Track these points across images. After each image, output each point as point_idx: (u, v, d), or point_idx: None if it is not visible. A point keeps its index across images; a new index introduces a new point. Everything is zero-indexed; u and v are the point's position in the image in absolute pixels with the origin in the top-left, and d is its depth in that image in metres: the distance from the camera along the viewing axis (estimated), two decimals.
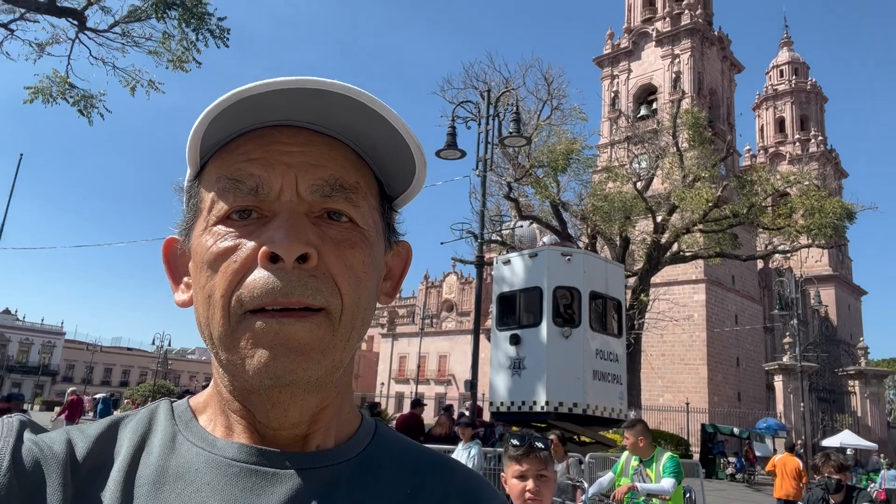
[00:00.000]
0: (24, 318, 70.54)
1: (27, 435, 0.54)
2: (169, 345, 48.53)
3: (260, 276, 0.54)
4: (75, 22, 15.63)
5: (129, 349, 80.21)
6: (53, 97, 16.48)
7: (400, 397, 51.83)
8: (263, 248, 0.54)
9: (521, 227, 25.53)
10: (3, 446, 0.51)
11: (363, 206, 0.61)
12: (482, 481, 0.71)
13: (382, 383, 57.81)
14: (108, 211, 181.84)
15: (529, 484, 2.33)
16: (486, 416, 13.15)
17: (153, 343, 46.45)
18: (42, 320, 72.40)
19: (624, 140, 34.62)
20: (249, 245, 0.55)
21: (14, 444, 0.52)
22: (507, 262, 10.93)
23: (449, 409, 12.79)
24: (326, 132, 0.60)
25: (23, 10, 14.81)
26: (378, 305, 0.66)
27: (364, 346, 68.85)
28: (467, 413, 9.61)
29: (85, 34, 16.11)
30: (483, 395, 14.38)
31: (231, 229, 0.57)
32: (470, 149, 12.31)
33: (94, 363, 71.65)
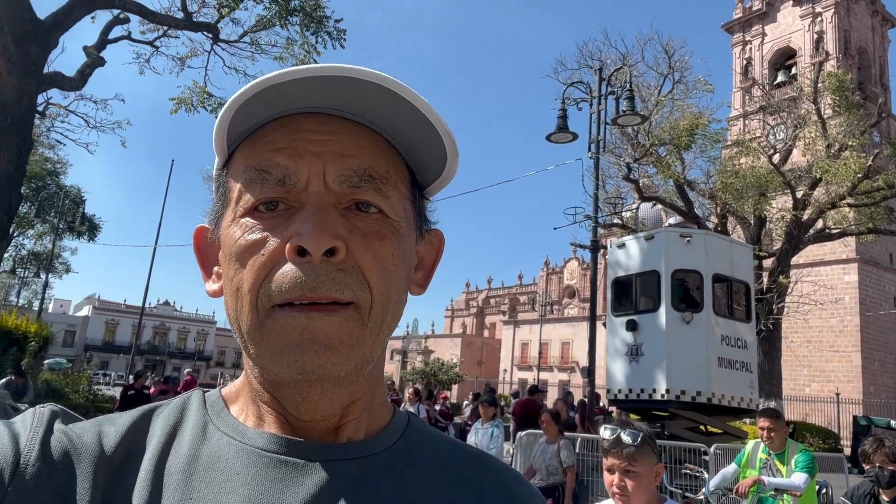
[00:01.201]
0: (181, 308, 78.18)
1: (58, 425, 0.54)
2: None
3: (287, 270, 0.53)
4: (210, 35, 16.96)
5: None
6: (194, 106, 18.04)
7: (523, 384, 51.71)
8: (290, 241, 0.53)
9: (643, 207, 24.49)
10: (33, 436, 0.52)
11: (393, 197, 0.59)
12: (521, 479, 0.68)
13: (505, 370, 58.04)
14: None
15: (615, 478, 2.26)
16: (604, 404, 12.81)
17: None
18: (196, 311, 79.73)
19: (758, 110, 32.07)
20: (277, 238, 0.54)
21: (44, 434, 0.52)
22: (622, 245, 10.54)
23: (567, 396, 12.61)
24: (355, 119, 0.58)
25: (165, 28, 16.29)
26: (410, 297, 0.64)
27: (486, 332, 69.41)
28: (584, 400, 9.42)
29: (219, 45, 17.44)
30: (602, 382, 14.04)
31: (258, 221, 0.56)
32: (584, 131, 11.99)
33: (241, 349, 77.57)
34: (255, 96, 0.54)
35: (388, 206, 0.58)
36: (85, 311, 71.53)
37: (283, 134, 0.57)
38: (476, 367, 57.43)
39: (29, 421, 0.54)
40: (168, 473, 0.54)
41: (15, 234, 32.84)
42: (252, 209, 0.56)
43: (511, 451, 8.80)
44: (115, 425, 0.58)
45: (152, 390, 13.15)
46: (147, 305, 25.34)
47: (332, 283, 0.53)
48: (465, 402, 17.68)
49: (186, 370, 20.48)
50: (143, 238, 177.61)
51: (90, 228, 33.17)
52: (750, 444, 5.44)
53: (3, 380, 10.47)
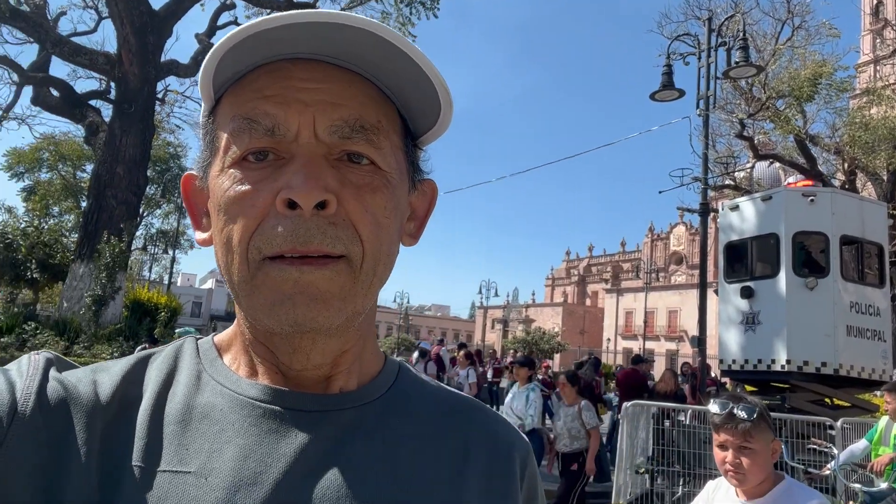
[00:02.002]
0: None
1: (53, 373, 0.54)
2: (408, 302, 53.13)
3: (278, 223, 0.52)
4: None
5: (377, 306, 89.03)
6: None
7: (627, 353, 50.55)
8: (281, 194, 0.52)
9: (758, 167, 22.85)
10: (30, 384, 0.51)
11: (385, 147, 0.58)
12: (508, 425, 0.70)
13: (608, 339, 56.97)
14: None
15: (729, 456, 2.10)
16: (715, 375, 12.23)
17: (394, 301, 51.22)
18: None
19: (891, 54, 28.87)
20: (267, 190, 0.54)
21: (40, 381, 0.52)
22: (735, 207, 9.87)
23: (673, 366, 12.14)
24: (346, 66, 0.57)
25: (268, 11, 16.86)
26: (402, 248, 0.64)
27: (588, 301, 68.23)
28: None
29: None
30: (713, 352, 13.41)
31: (247, 172, 0.55)
32: (691, 87, 11.28)
33: None
34: (242, 42, 0.53)
35: (380, 158, 0.57)
36: (209, 283, 77.16)
37: (272, 81, 0.55)
38: (578, 336, 56.77)
39: (25, 368, 0.53)
40: (164, 424, 0.54)
41: (144, 214, 35.76)
42: (240, 159, 0.55)
43: (615, 420, 8.57)
44: (109, 373, 0.58)
45: None
46: None
47: (324, 237, 0.52)
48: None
49: None
50: None
51: None
52: (883, 419, 5.02)
53: (139, 347, 11.47)
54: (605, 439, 12.61)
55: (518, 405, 7.02)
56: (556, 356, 48.81)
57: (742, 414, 2.10)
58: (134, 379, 0.58)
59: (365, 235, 0.55)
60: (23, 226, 18.15)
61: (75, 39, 17.61)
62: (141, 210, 34.45)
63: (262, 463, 0.53)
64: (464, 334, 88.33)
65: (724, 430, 2.12)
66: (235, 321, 0.62)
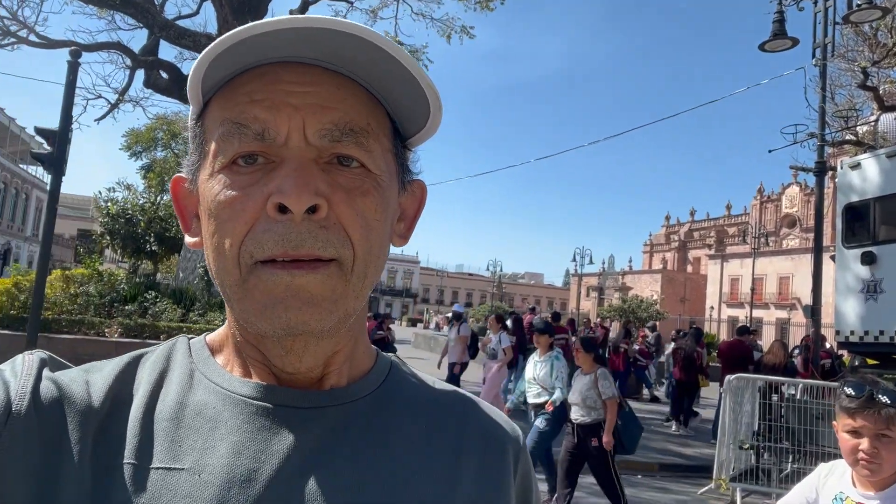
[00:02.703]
0: None
1: (46, 373, 0.54)
2: (501, 270, 53.15)
3: (269, 227, 0.53)
4: None
5: (469, 274, 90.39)
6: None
7: (732, 322, 48.23)
8: (272, 199, 0.52)
9: (884, 119, 20.78)
10: (24, 384, 0.52)
11: (375, 150, 0.58)
12: (501, 419, 0.70)
13: (712, 307, 54.53)
14: (442, 153, 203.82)
15: (864, 444, 1.88)
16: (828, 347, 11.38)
17: (487, 269, 51.39)
18: (402, 251, 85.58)
19: None
20: (257, 194, 0.54)
21: (34, 382, 0.53)
22: (857, 165, 9.04)
23: (784, 336, 11.42)
24: (335, 69, 0.56)
25: None
26: (393, 249, 0.65)
27: (689, 268, 65.46)
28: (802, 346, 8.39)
29: None
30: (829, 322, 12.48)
31: (237, 176, 0.55)
32: (805, 36, 10.31)
33: (444, 287, 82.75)
34: (232, 47, 0.52)
35: (370, 160, 0.57)
36: None
37: (261, 85, 0.55)
38: (678, 305, 54.72)
39: (19, 368, 0.54)
40: (156, 421, 0.55)
41: None
42: (230, 163, 0.55)
43: (721, 394, 8.17)
44: (102, 373, 0.58)
45: (367, 325, 14.43)
46: None
47: (315, 241, 0.52)
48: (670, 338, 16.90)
49: (369, 315, 22.17)
50: None
51: None
52: None
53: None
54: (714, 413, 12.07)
55: (541, 374, 6.66)
56: (656, 325, 47.32)
57: (885, 399, 1.89)
58: (126, 378, 0.58)
59: (356, 239, 0.55)
60: (141, 202, 19.58)
61: (180, 23, 18.54)
62: None
63: (255, 459, 0.53)
64: (558, 302, 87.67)
65: (862, 415, 1.91)
66: (226, 323, 0.63)
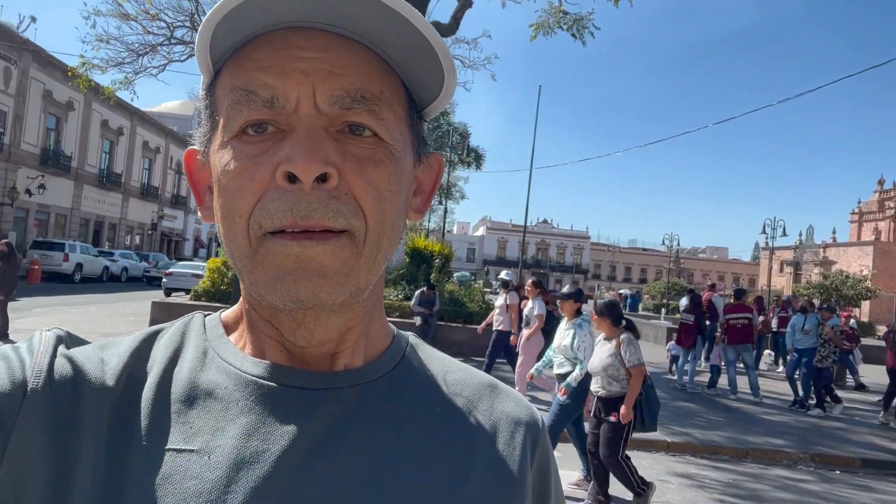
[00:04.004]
0: (557, 225, 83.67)
1: (62, 350, 0.54)
2: (678, 244, 50.13)
3: (278, 197, 0.51)
4: None
5: (643, 249, 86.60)
6: (551, 28, 18.35)
7: None
8: (280, 167, 0.51)
9: None
10: (40, 361, 0.52)
11: (388, 119, 0.56)
12: (520, 403, 0.69)
13: None
14: (614, 121, 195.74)
15: None
16: None
17: (663, 243, 48.75)
18: (571, 226, 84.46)
19: None
20: (266, 163, 0.52)
21: (49, 360, 0.53)
22: None
23: None
24: (347, 35, 0.54)
25: None
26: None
27: None
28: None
29: None
30: None
31: (246, 145, 0.54)
32: None
33: (616, 262, 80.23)
34: (236, 10, 0.51)
35: (383, 129, 0.55)
36: (480, 231, 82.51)
37: (271, 51, 0.53)
38: (894, 281, 47.71)
39: (35, 345, 0.54)
40: (169, 401, 0.55)
41: None
42: (240, 132, 0.54)
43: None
44: (117, 350, 0.58)
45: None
46: (528, 224, 27.63)
47: (325, 211, 0.51)
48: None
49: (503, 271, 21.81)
50: (520, 162, 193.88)
51: (476, 158, 37.55)
52: None
53: (418, 291, 12.73)
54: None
55: (565, 343, 5.97)
56: (865, 304, 41.82)
57: None
58: (141, 356, 0.58)
59: (368, 209, 0.54)
60: None
61: None
62: None
63: (265, 441, 0.53)
64: (745, 278, 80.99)
65: None
66: (241, 299, 0.62)
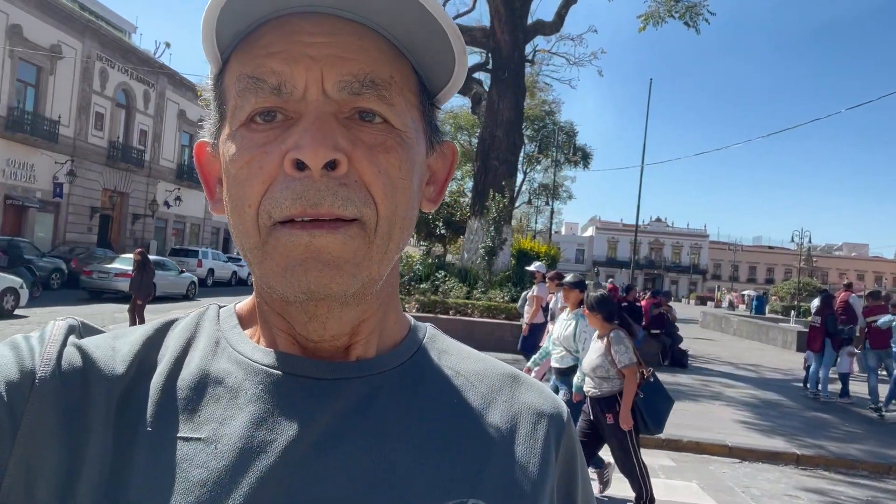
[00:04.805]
0: (672, 224, 80.00)
1: (72, 339, 0.55)
2: (810, 241, 46.34)
3: (286, 185, 0.50)
4: None
5: (769, 247, 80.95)
6: (661, 17, 17.63)
7: None
8: (288, 155, 0.50)
9: None
10: (49, 350, 0.52)
11: (398, 104, 0.54)
12: (544, 395, 0.66)
13: None
14: (730, 112, 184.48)
15: None
16: None
17: (791, 240, 45.22)
18: (687, 225, 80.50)
19: None
20: (274, 151, 0.51)
21: (59, 349, 0.53)
22: None
23: None
24: (356, 19, 0.53)
25: None
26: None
27: None
28: None
29: None
30: None
31: (255, 134, 0.52)
32: None
33: (738, 262, 75.53)
34: None
35: (394, 115, 0.54)
36: (590, 231, 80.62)
37: (278, 36, 0.52)
38: None
39: (47, 335, 0.54)
40: (178, 389, 0.54)
41: (527, 171, 38.97)
42: (248, 121, 0.53)
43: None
44: (129, 339, 0.57)
45: (643, 302, 13.90)
46: (640, 223, 26.63)
47: (334, 199, 0.50)
48: None
49: (610, 280, 20.97)
50: (631, 159, 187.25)
51: (583, 157, 36.81)
52: None
53: (524, 293, 12.60)
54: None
55: (566, 333, 5.64)
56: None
57: None
58: (154, 344, 0.58)
59: (379, 197, 0.52)
60: None
61: (458, 21, 19.87)
62: (523, 167, 37.81)
63: (273, 431, 0.52)
64: (889, 277, 73.65)
65: None
66: (254, 291, 0.61)
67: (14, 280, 13.27)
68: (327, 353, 0.58)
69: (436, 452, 0.56)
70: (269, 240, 0.51)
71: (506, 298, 13.64)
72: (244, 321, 0.62)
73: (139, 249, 12.34)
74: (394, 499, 0.52)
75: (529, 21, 17.77)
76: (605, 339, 4.74)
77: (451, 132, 36.51)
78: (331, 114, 0.52)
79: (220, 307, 0.64)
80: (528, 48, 19.75)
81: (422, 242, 21.63)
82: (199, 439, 0.51)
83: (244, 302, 0.64)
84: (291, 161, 0.50)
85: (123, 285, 15.59)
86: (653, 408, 4.73)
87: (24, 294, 13.42)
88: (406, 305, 12.87)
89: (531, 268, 10.63)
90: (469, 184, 24.85)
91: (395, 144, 0.54)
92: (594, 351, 4.87)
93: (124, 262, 17.52)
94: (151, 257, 14.48)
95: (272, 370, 0.56)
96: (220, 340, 0.59)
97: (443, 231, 20.12)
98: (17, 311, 13.23)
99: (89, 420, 0.51)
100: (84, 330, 0.58)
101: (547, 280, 9.03)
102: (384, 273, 0.55)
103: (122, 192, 28.79)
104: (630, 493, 4.84)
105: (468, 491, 0.55)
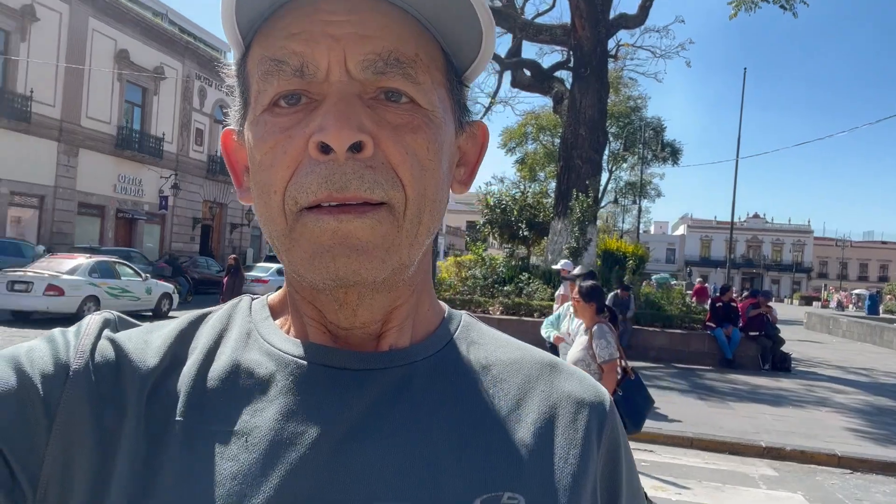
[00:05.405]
0: (772, 220, 75.64)
1: (106, 333, 0.55)
2: None
3: (311, 170, 0.49)
4: None
5: (882, 243, 75.00)
6: (754, 3, 16.72)
7: None
8: (312, 138, 0.49)
9: None
10: (84, 343, 0.53)
11: (425, 83, 0.53)
12: (586, 384, 0.63)
13: None
14: (832, 100, 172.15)
15: None
16: None
17: None
18: (789, 220, 75.86)
19: None
20: (299, 135, 0.50)
21: (93, 342, 0.54)
22: None
23: None
24: None
25: None
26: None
27: None
28: None
29: None
30: None
31: (279, 118, 0.51)
32: None
33: (846, 259, 70.34)
34: None
35: (420, 94, 0.52)
36: (681, 230, 77.54)
37: (298, 17, 0.51)
38: None
39: (83, 328, 0.55)
40: (209, 381, 0.54)
41: (613, 169, 37.99)
42: (271, 105, 0.52)
43: None
44: (162, 332, 0.58)
45: (740, 304, 13.19)
46: (736, 220, 25.36)
47: (361, 182, 0.49)
48: None
49: (699, 277, 19.86)
50: (724, 152, 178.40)
51: (672, 153, 35.47)
52: None
53: (611, 294, 12.28)
54: None
55: (574, 330, 5.27)
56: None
57: None
58: (186, 337, 0.58)
59: (406, 180, 0.51)
60: (513, 192, 21.61)
61: (538, 20, 19.69)
62: (608, 165, 36.89)
63: (303, 423, 0.51)
64: None
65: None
66: (285, 281, 0.60)
67: (168, 287, 16.14)
68: (359, 341, 0.57)
69: (470, 445, 0.54)
70: (296, 226, 0.51)
71: None
72: (276, 312, 0.62)
73: (233, 256, 13.12)
74: (426, 493, 0.51)
75: (612, 15, 17.32)
76: (590, 333, 4.56)
77: (532, 133, 36.21)
78: (355, 94, 0.50)
79: (253, 299, 0.64)
80: (611, 43, 19.26)
81: (505, 245, 21.56)
82: (230, 431, 0.51)
83: (276, 293, 0.64)
84: (316, 144, 0.49)
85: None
86: (633, 407, 4.51)
87: (176, 298, 16.33)
88: (490, 308, 12.85)
89: (557, 266, 10.18)
90: (552, 184, 24.54)
91: (422, 124, 0.52)
92: (578, 344, 4.70)
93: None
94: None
95: (303, 361, 0.55)
96: (252, 332, 0.59)
97: (526, 233, 19.94)
98: (170, 314, 15.55)
99: (122, 411, 0.51)
100: (120, 323, 0.59)
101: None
102: (415, 258, 0.54)
103: (220, 203, 30.48)
104: None
105: (503, 484, 0.53)
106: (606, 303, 11.36)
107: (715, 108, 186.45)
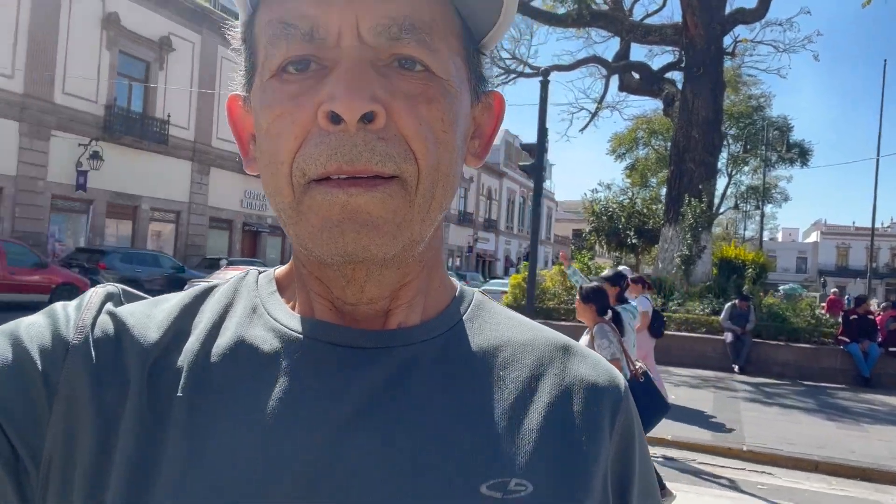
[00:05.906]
0: None
1: (108, 307, 0.54)
2: None
3: (320, 140, 0.47)
4: None
5: None
6: None
7: None
8: (322, 107, 0.47)
9: None
10: (85, 317, 0.52)
11: (441, 50, 0.51)
12: (599, 367, 0.61)
13: None
14: None
15: None
16: None
17: None
18: None
19: None
20: (308, 104, 0.48)
21: (94, 315, 0.52)
22: None
23: None
24: None
25: None
26: (466, 168, 0.57)
27: None
28: None
29: None
30: None
31: (287, 85, 0.49)
32: None
33: None
34: None
35: (436, 62, 0.50)
36: (813, 237, 71.58)
37: None
38: None
39: (84, 302, 0.54)
40: (212, 356, 0.52)
41: (732, 173, 35.82)
42: (279, 71, 0.50)
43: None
44: (166, 305, 0.56)
45: (879, 317, 11.95)
46: (879, 225, 23.10)
47: (372, 154, 0.47)
48: None
49: (833, 290, 18.03)
50: (861, 152, 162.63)
51: (800, 154, 32.88)
52: None
53: (728, 304, 11.53)
54: None
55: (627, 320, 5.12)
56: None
57: None
58: (191, 311, 0.56)
59: (420, 152, 0.49)
60: (620, 199, 20.96)
61: (648, 21, 19.02)
62: (728, 168, 34.79)
63: (307, 402, 0.50)
64: None
65: None
66: (292, 255, 0.59)
67: None
68: (366, 317, 0.55)
69: (477, 428, 0.52)
70: (304, 199, 0.49)
71: (706, 310, 12.57)
72: (283, 287, 0.60)
73: None
74: (431, 476, 0.49)
75: (728, 10, 16.40)
76: (589, 334, 4.61)
77: (644, 138, 34.95)
78: (367, 61, 0.48)
79: (260, 272, 0.62)
80: (728, 39, 18.22)
81: (612, 253, 20.93)
82: (232, 408, 0.50)
83: (283, 267, 0.62)
84: (325, 113, 0.47)
85: None
86: (638, 409, 4.06)
87: None
88: None
89: (606, 273, 9.86)
90: (663, 190, 23.53)
91: (437, 94, 0.50)
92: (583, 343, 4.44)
93: None
94: None
95: (309, 338, 0.54)
96: (258, 307, 0.57)
97: (634, 240, 19.27)
98: None
99: (123, 387, 0.50)
100: (125, 297, 0.58)
101: (631, 284, 8.32)
102: (426, 234, 0.53)
103: None
104: None
105: (511, 469, 0.51)
106: (721, 316, 10.71)
107: (849, 105, 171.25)
